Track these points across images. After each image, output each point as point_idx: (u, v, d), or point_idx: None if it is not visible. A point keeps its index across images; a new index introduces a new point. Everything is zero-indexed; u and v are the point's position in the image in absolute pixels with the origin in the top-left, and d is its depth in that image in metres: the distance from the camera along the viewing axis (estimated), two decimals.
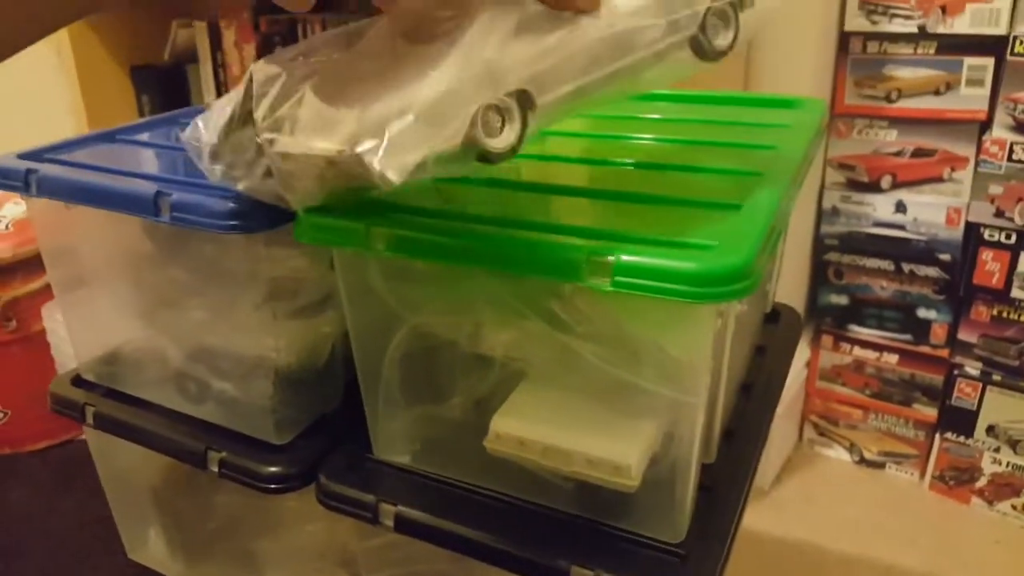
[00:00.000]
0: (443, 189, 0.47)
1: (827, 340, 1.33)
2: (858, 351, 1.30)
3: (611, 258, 0.35)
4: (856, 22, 1.15)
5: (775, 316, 0.70)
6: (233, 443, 0.52)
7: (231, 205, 0.44)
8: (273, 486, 0.50)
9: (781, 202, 0.42)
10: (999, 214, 1.13)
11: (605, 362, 0.43)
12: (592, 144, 0.58)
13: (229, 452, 0.51)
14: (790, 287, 1.27)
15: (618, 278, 0.35)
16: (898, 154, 1.18)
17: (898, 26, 1.13)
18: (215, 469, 0.51)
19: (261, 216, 0.44)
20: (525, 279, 0.41)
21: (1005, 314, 1.18)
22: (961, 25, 1.09)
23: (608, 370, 0.43)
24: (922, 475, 1.32)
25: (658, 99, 0.66)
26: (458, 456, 0.48)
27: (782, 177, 0.45)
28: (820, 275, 1.30)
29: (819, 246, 1.28)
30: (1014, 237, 1.14)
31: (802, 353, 1.33)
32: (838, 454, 1.38)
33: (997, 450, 1.23)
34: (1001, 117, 1.11)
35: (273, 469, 0.50)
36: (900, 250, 1.22)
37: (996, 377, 1.21)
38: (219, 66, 1.39)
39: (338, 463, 0.50)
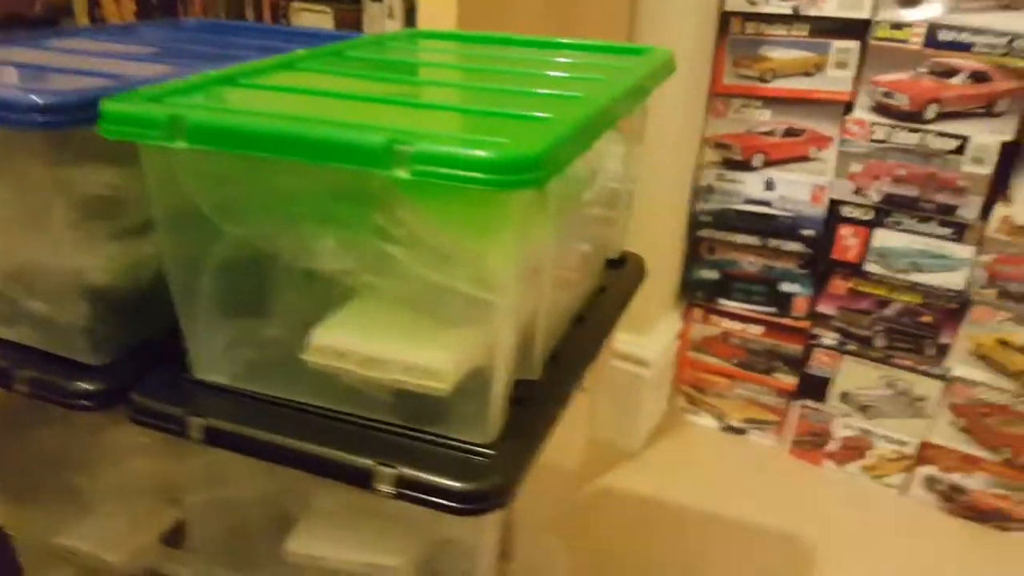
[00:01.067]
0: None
1: (698, 313, 1.36)
2: (726, 323, 1.34)
3: (411, 147, 0.36)
4: (735, 2, 1.18)
5: (622, 262, 0.72)
6: (47, 363, 0.50)
7: (33, 98, 0.41)
8: (84, 403, 0.48)
9: (590, 117, 0.44)
10: (858, 191, 1.19)
11: (421, 267, 0.43)
12: (436, 69, 0.60)
13: (40, 371, 0.49)
14: (667, 262, 1.30)
15: (417, 167, 0.36)
16: (770, 133, 1.22)
17: (774, 7, 1.16)
18: (23, 389, 0.49)
19: (64, 111, 0.42)
20: (341, 185, 0.41)
21: (860, 287, 1.24)
22: (830, 8, 1.13)
23: (423, 275, 0.43)
24: (782, 440, 1.37)
25: (520, 44, 0.68)
26: (278, 373, 0.48)
27: (598, 101, 0.46)
28: (694, 251, 1.33)
29: (694, 222, 1.31)
30: (870, 214, 1.19)
31: (674, 325, 1.36)
32: (706, 421, 1.41)
33: (848, 415, 1.29)
34: (863, 98, 1.16)
35: (84, 386, 0.48)
36: (767, 226, 1.25)
37: (850, 347, 1.27)
38: (96, 21, 1.29)
39: (153, 382, 0.49)
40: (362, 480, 0.43)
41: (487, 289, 0.42)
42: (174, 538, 0.61)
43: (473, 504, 0.43)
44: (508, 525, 0.57)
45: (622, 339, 1.28)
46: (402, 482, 0.43)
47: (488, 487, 0.43)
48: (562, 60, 0.64)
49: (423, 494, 0.43)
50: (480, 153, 0.36)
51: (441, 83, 0.58)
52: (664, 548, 1.14)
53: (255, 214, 0.42)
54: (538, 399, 0.49)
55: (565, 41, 0.70)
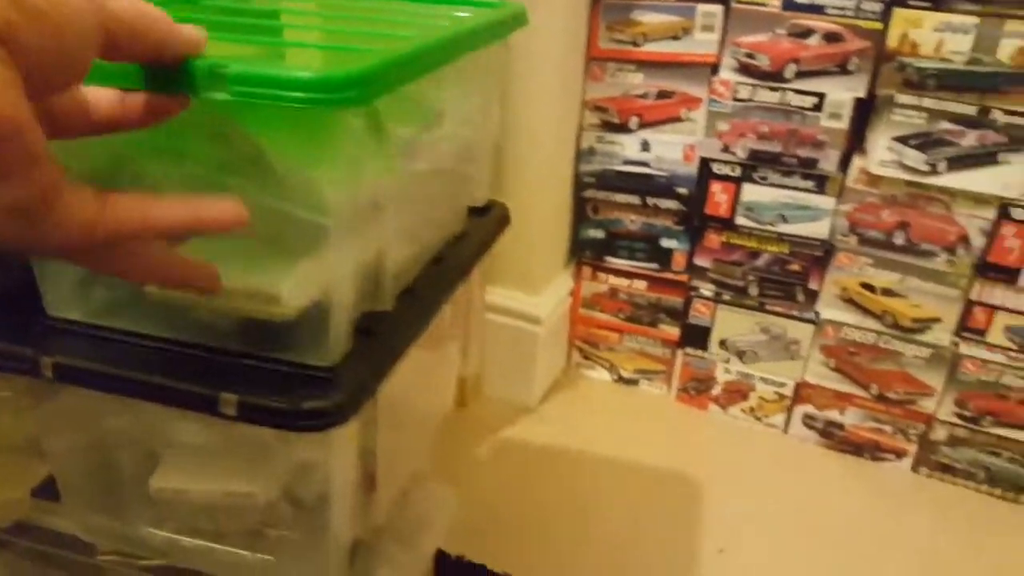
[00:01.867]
0: None
1: (587, 271, 1.40)
2: (613, 279, 1.39)
3: (230, 70, 0.37)
4: None
5: (486, 210, 0.74)
6: None
7: None
8: None
9: (414, 50, 0.46)
10: (725, 149, 1.24)
11: (258, 194, 0.44)
12: (283, 15, 0.62)
13: None
14: (555, 222, 1.33)
15: (236, 87, 0.37)
16: (644, 96, 1.26)
17: None
18: None
19: None
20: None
21: (732, 240, 1.29)
22: None
23: (260, 202, 0.44)
24: (669, 388, 1.43)
25: None
26: (130, 308, 0.49)
27: (426, 39, 0.49)
28: (580, 211, 1.37)
29: (579, 184, 1.34)
30: (738, 170, 1.25)
31: (565, 283, 1.40)
32: (600, 374, 1.47)
33: (728, 361, 1.36)
34: (727, 60, 1.20)
35: None
36: (646, 185, 1.30)
37: (726, 297, 1.33)
38: None
39: (6, 325, 0.49)
40: (208, 405, 0.45)
41: (322, 214, 0.44)
42: (48, 491, 0.62)
43: (311, 421, 0.45)
44: (369, 454, 0.60)
45: (515, 298, 1.31)
46: (245, 405, 0.45)
47: (325, 405, 0.45)
48: (411, 9, 0.66)
49: (265, 415, 0.45)
50: (296, 73, 0.37)
51: (281, 25, 0.60)
52: (559, 495, 1.19)
53: (97, 149, 0.42)
54: (386, 330, 0.52)
55: None
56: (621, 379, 1.44)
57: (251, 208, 0.39)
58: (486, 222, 0.73)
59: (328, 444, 0.52)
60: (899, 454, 1.30)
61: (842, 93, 1.15)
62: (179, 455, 0.55)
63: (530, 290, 1.31)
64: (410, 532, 0.81)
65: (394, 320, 0.53)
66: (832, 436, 1.33)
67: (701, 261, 1.32)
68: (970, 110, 1.10)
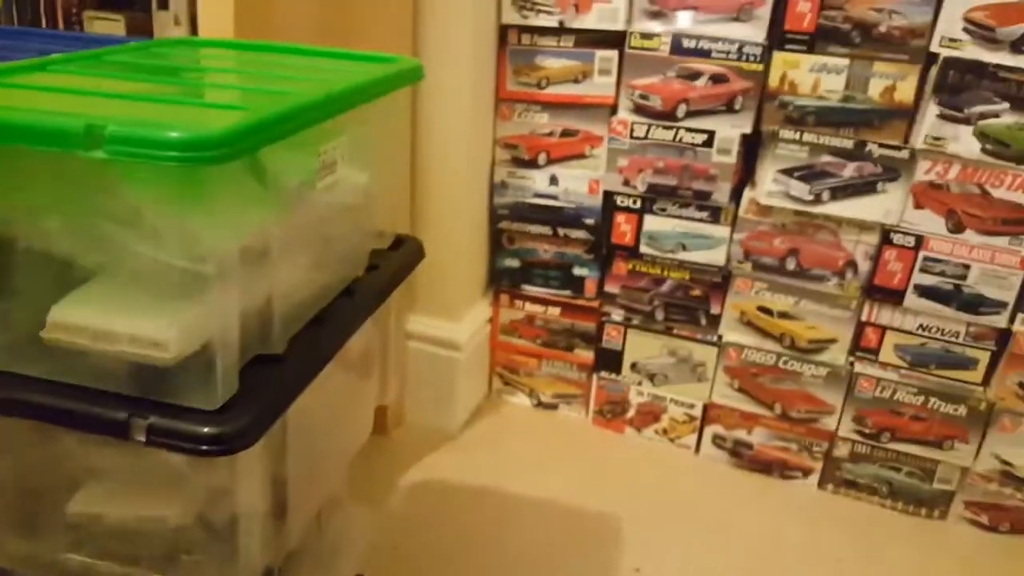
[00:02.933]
0: None
1: (505, 299, 1.45)
2: (529, 307, 1.44)
3: (106, 130, 0.41)
4: (511, 16, 1.28)
5: (397, 245, 0.79)
6: None
7: None
8: None
9: (288, 108, 0.50)
10: (626, 183, 1.30)
11: (142, 245, 0.48)
12: (179, 72, 0.66)
13: None
14: (473, 253, 1.39)
15: (112, 147, 0.41)
16: (550, 134, 1.33)
17: (543, 20, 1.26)
18: None
19: None
20: (62, 169, 0.46)
21: (637, 267, 1.35)
22: (590, 21, 1.24)
23: (144, 252, 0.48)
24: (586, 411, 1.48)
25: (279, 51, 0.75)
26: (29, 354, 0.51)
27: (303, 97, 0.53)
28: (496, 242, 1.42)
29: (494, 215, 1.40)
30: (639, 202, 1.31)
31: (484, 311, 1.45)
32: (520, 400, 1.51)
33: (640, 383, 1.41)
34: (624, 101, 1.27)
35: None
36: (556, 217, 1.36)
37: (635, 321, 1.39)
38: None
39: None
40: (120, 431, 0.49)
41: (202, 262, 0.47)
42: None
43: (215, 446, 0.49)
44: (280, 482, 0.63)
45: (435, 325, 1.36)
46: (154, 430, 0.49)
47: (222, 432, 0.49)
48: (305, 65, 0.70)
49: (176, 440, 0.49)
50: (166, 133, 0.41)
51: (176, 82, 0.63)
52: (480, 520, 1.22)
53: None
54: (277, 372, 0.55)
55: (323, 49, 0.76)
56: (541, 404, 1.49)
57: (136, 257, 0.43)
58: (396, 257, 0.76)
59: (235, 471, 0.55)
60: (806, 472, 1.35)
61: (729, 130, 1.22)
62: (98, 482, 0.59)
63: (449, 318, 1.36)
64: (327, 557, 0.83)
65: (284, 363, 0.57)
66: (741, 456, 1.37)
67: (611, 288, 1.38)
68: (847, 144, 1.17)
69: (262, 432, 0.52)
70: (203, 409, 0.50)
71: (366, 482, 1.28)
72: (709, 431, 1.39)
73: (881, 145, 1.16)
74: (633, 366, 1.39)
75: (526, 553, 1.17)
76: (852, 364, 1.27)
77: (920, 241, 1.17)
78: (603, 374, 1.42)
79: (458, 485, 1.29)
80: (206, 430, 0.48)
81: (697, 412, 1.38)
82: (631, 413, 1.42)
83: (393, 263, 0.77)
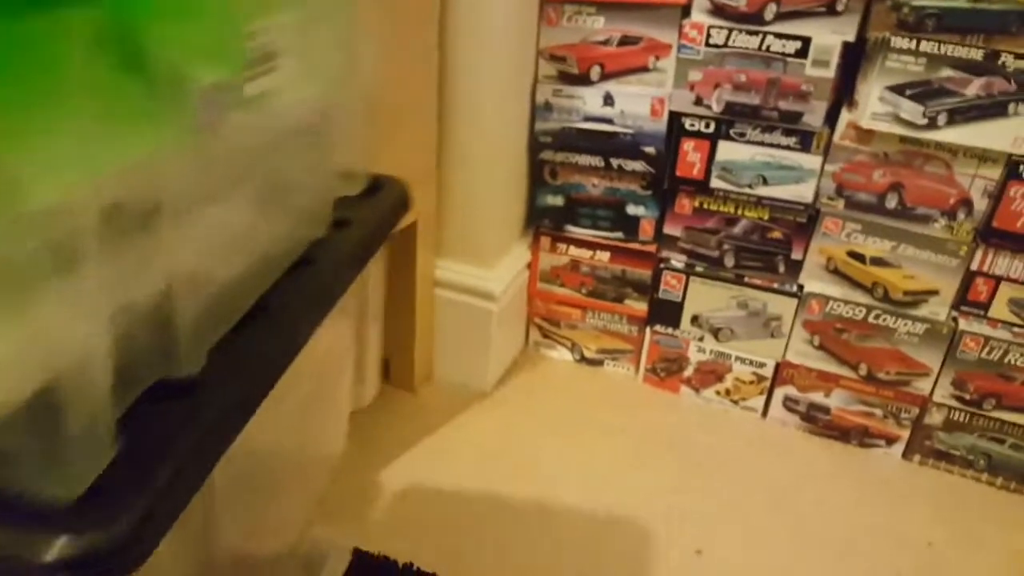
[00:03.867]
0: None
1: (546, 242, 1.25)
2: (574, 251, 1.23)
3: None
4: None
5: (373, 190, 0.56)
6: None
7: None
8: None
9: None
10: (698, 102, 1.08)
11: None
12: None
13: None
14: (508, 189, 1.17)
15: None
16: (605, 42, 1.10)
17: None
18: None
19: None
20: None
21: (706, 205, 1.14)
22: None
23: None
24: (636, 369, 1.28)
25: None
26: None
27: None
28: (537, 175, 1.21)
29: (535, 144, 1.18)
30: (712, 125, 1.09)
31: (522, 256, 1.24)
32: (561, 354, 1.32)
33: (701, 339, 1.21)
34: (699, 0, 1.04)
35: None
36: (609, 145, 1.14)
37: (699, 268, 1.18)
38: None
39: None
40: None
41: (29, 235, 0.26)
42: None
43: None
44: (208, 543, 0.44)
45: (467, 272, 1.16)
46: None
47: (90, 548, 0.27)
48: None
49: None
50: None
51: None
52: (517, 489, 1.05)
53: None
54: (187, 410, 0.34)
55: None
56: (584, 359, 1.29)
57: None
58: (372, 207, 0.54)
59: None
60: (890, 440, 1.16)
61: (829, 37, 0.99)
62: None
63: (483, 264, 1.16)
64: None
65: (199, 392, 0.35)
66: (816, 420, 1.19)
67: (671, 229, 1.16)
68: (975, 55, 0.95)
69: (164, 529, 0.30)
70: (49, 507, 0.28)
71: (391, 444, 1.10)
72: (780, 393, 1.20)
73: (1018, 56, 0.93)
74: (694, 319, 1.19)
75: (569, 529, 0.99)
76: (955, 320, 1.07)
77: None
78: (658, 328, 1.22)
79: (492, 449, 1.11)
80: (53, 551, 0.26)
81: (768, 372, 1.19)
82: (689, 371, 1.23)
83: (369, 216, 0.54)
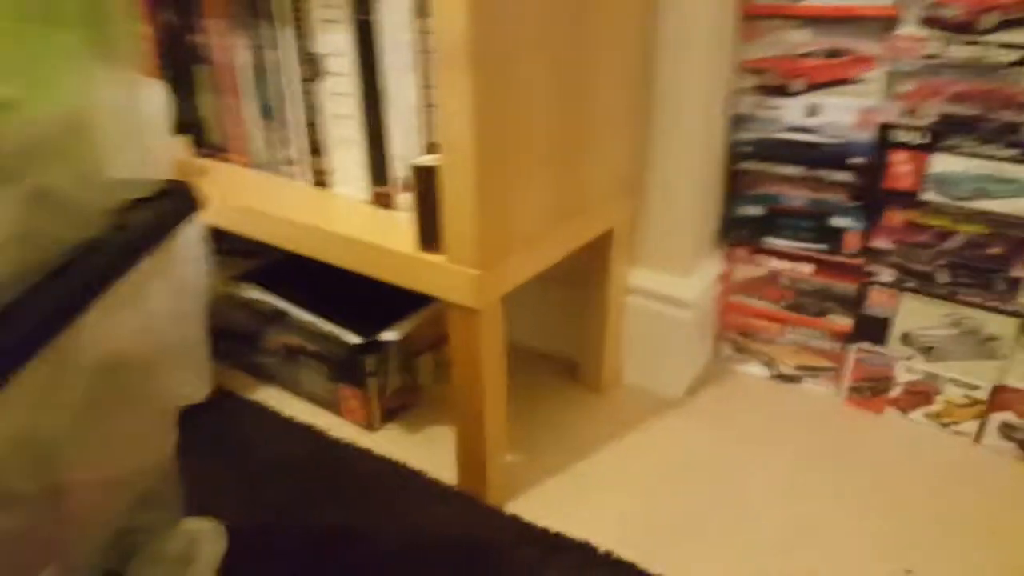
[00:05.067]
0: None
1: (741, 253, 1.24)
2: (773, 262, 1.22)
3: None
4: None
5: (161, 196, 0.58)
6: None
7: None
8: None
9: None
10: (910, 113, 1.04)
11: None
12: None
13: None
14: (702, 198, 1.18)
15: None
16: (808, 55, 1.08)
17: None
18: None
19: None
20: None
21: (918, 219, 1.09)
22: None
23: None
24: (838, 387, 1.24)
25: None
26: None
27: None
28: (734, 186, 1.21)
29: (733, 154, 1.19)
30: (926, 136, 1.04)
31: (715, 266, 1.25)
32: (755, 369, 1.30)
33: (910, 358, 1.16)
34: (910, 11, 1.01)
35: None
36: (812, 155, 1.12)
37: (909, 284, 1.13)
38: None
39: None
40: None
41: None
42: None
43: None
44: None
45: (658, 280, 1.18)
46: None
47: None
48: None
49: None
50: None
51: None
52: (711, 493, 1.05)
53: None
54: None
55: None
56: (780, 376, 1.27)
57: None
58: (153, 211, 0.54)
59: None
60: None
61: None
62: None
63: (675, 272, 1.18)
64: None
65: None
66: None
67: (879, 243, 1.12)
68: None
69: None
70: None
71: (585, 441, 1.14)
72: (996, 419, 1.12)
73: None
74: (904, 337, 1.14)
75: (756, 538, 0.98)
76: None
77: None
78: (863, 345, 1.18)
79: (685, 455, 1.12)
80: None
81: (983, 395, 1.11)
82: (895, 392, 1.18)
83: (147, 219, 0.55)
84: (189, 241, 0.60)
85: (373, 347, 1.14)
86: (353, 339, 1.14)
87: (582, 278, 1.20)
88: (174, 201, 0.60)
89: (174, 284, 0.61)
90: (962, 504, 1.05)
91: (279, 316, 1.23)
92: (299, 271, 1.31)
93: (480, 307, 0.89)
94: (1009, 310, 1.06)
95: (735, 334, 1.29)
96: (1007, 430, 1.12)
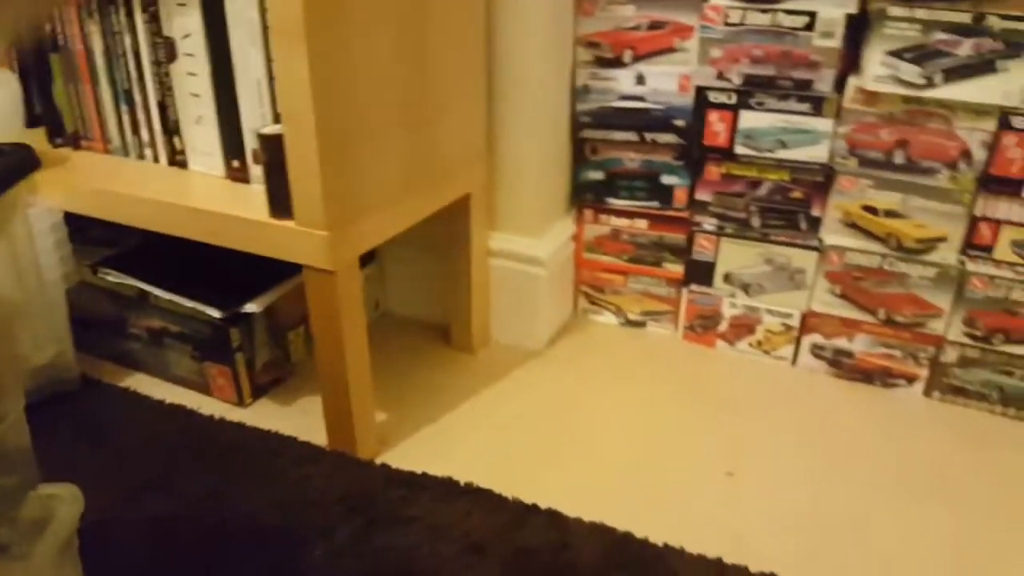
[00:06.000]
0: None
1: (588, 214, 1.36)
2: (614, 221, 1.35)
3: None
4: None
5: None
6: None
7: None
8: None
9: None
10: (720, 76, 1.20)
11: None
12: None
13: None
14: (555, 165, 1.29)
15: None
16: (636, 28, 1.22)
17: None
18: None
19: None
20: None
21: (732, 170, 1.25)
22: None
23: None
24: (676, 327, 1.39)
25: None
26: None
27: None
28: (579, 153, 1.33)
29: (576, 124, 1.30)
30: (734, 97, 1.20)
31: (567, 228, 1.36)
32: (607, 319, 1.43)
33: (733, 295, 1.32)
34: None
35: None
36: (643, 120, 1.26)
37: (728, 230, 1.29)
38: None
39: None
40: None
41: None
42: None
43: None
44: None
45: (517, 241, 1.28)
46: None
47: None
48: None
49: None
50: None
51: None
52: (569, 428, 1.15)
53: None
54: None
55: None
56: (628, 322, 1.40)
57: None
58: None
59: None
60: (910, 379, 1.25)
61: (833, 10, 1.11)
62: None
63: (531, 234, 1.28)
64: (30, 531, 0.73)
65: None
66: (841, 365, 1.28)
67: (702, 195, 1.28)
68: (964, 18, 1.06)
69: None
70: None
71: (454, 396, 1.21)
72: (807, 341, 1.29)
73: (1003, 17, 1.04)
74: (726, 277, 1.30)
75: (616, 458, 1.09)
76: (963, 263, 1.17)
77: None
78: (693, 287, 1.33)
79: (546, 398, 1.21)
80: None
81: (795, 322, 1.28)
82: (723, 326, 1.33)
83: None
84: (43, 227, 0.59)
85: (236, 320, 1.16)
86: (215, 314, 1.15)
87: (447, 244, 1.27)
88: (9, 158, 0.62)
89: (16, 246, 0.60)
90: (781, 417, 1.20)
91: (141, 299, 1.22)
92: (161, 255, 1.30)
93: (334, 268, 0.94)
94: (811, 245, 1.24)
95: (588, 288, 1.41)
96: (817, 350, 1.29)
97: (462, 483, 1.01)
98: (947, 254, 1.18)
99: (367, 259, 1.38)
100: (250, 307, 1.16)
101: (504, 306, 1.32)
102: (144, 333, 1.24)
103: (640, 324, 1.40)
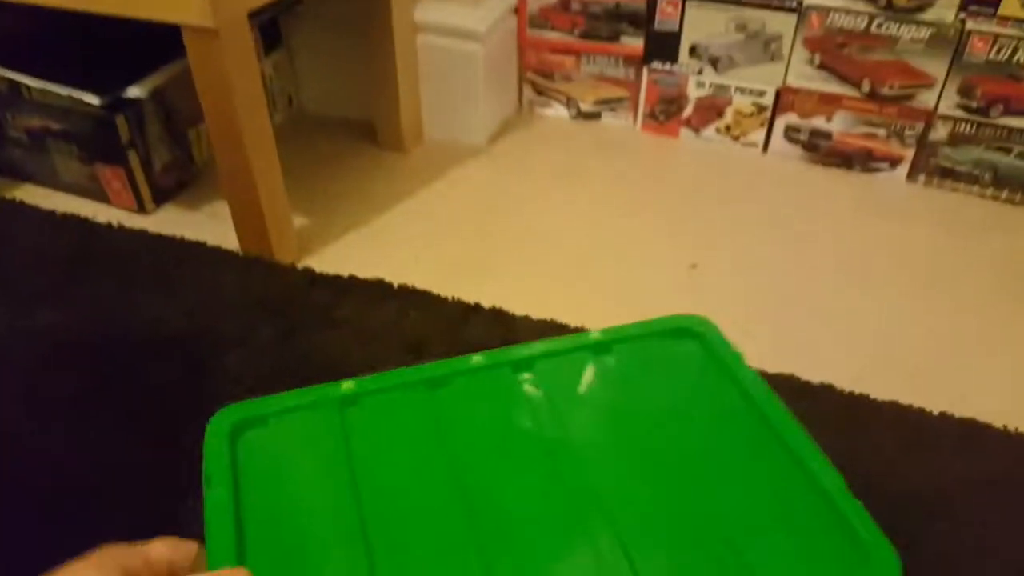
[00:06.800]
0: None
1: None
2: None
3: None
4: None
5: None
6: None
7: None
8: None
9: None
10: None
11: None
12: None
13: None
14: None
15: None
16: None
17: None
18: None
19: None
20: None
21: None
22: None
23: None
24: (635, 117, 1.22)
25: None
26: None
27: None
28: None
29: None
30: None
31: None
32: (557, 111, 1.25)
33: (700, 72, 1.14)
34: None
35: None
36: None
37: None
38: None
39: None
40: None
41: None
42: None
43: None
44: None
45: (448, 11, 1.08)
46: None
47: None
48: None
49: None
50: None
51: None
52: (515, 227, 1.00)
53: None
54: None
55: None
56: (580, 113, 1.23)
57: None
58: None
59: None
60: (893, 162, 1.11)
61: None
62: None
63: (464, 3, 1.07)
64: None
65: None
66: (818, 148, 1.14)
67: None
68: None
69: None
70: None
71: (383, 200, 1.05)
72: (781, 122, 1.14)
73: None
74: (692, 50, 1.12)
75: (569, 254, 0.95)
76: (963, 22, 1.00)
77: None
78: (655, 65, 1.15)
79: (487, 196, 1.06)
80: None
81: (768, 100, 1.12)
82: (688, 110, 1.16)
83: None
84: None
85: (121, 107, 0.97)
86: (94, 100, 0.96)
87: (365, 19, 1.07)
88: None
89: None
90: (750, 207, 1.07)
91: (14, 93, 1.02)
92: (32, 44, 1.09)
93: (218, 26, 0.75)
94: (789, 6, 1.06)
95: (536, 75, 1.22)
96: (792, 133, 1.14)
97: (395, 284, 0.87)
98: (944, 12, 1.01)
99: (272, 43, 1.17)
100: (134, 91, 0.97)
101: (437, 94, 1.13)
102: (24, 136, 1.05)
103: (594, 115, 1.23)
